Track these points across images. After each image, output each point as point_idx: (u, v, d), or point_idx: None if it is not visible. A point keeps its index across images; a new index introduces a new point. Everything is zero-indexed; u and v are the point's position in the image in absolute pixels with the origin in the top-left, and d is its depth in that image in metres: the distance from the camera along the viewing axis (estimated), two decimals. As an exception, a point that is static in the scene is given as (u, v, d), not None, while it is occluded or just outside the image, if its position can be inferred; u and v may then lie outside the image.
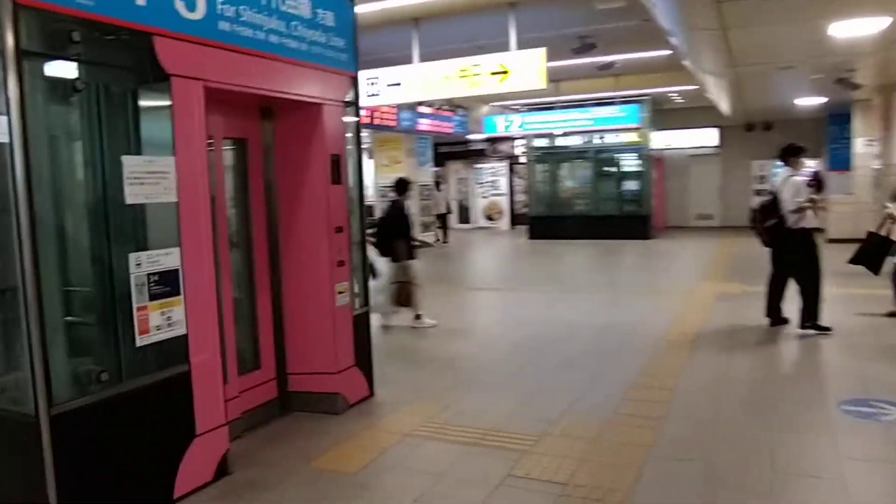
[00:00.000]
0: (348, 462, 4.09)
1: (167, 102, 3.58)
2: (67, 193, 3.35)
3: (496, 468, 3.90)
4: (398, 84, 9.34)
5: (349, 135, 5.19)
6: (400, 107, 12.80)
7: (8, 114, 2.90)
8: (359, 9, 8.27)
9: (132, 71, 3.59)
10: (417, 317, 7.94)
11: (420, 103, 13.34)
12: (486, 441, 4.32)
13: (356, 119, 5.30)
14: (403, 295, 7.92)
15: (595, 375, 5.78)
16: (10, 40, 2.88)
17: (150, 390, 3.51)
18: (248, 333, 4.90)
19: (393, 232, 7.89)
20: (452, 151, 24.43)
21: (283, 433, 4.57)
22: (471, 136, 20.89)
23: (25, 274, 2.94)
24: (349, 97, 5.12)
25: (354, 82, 5.18)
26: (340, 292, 4.99)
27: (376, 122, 12.21)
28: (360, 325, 5.24)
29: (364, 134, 18.80)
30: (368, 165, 22.62)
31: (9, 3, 2.87)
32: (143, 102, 3.62)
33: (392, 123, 12.85)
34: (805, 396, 5.06)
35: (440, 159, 24.41)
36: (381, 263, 7.87)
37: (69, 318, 3.32)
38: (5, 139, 2.93)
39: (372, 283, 7.29)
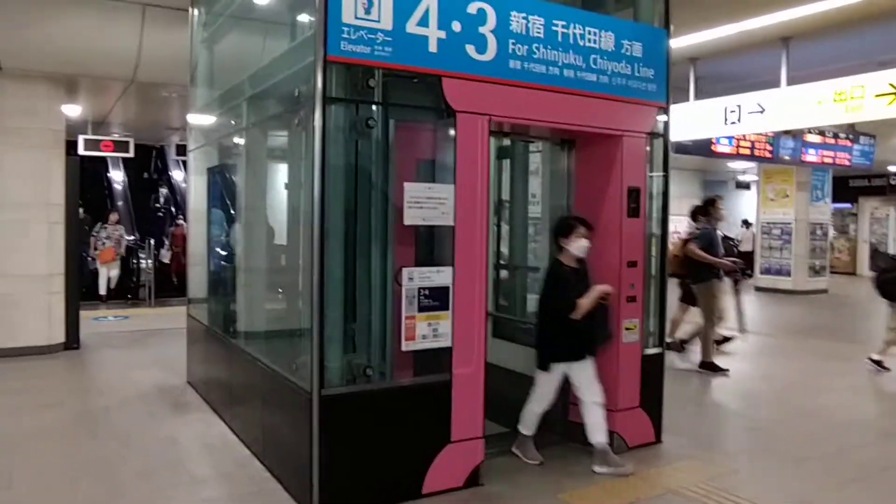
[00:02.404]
0: (594, 502, 4.15)
1: (452, 135, 4.15)
2: (355, 211, 4.10)
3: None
4: (761, 111, 8.82)
5: (656, 168, 5.24)
6: (778, 135, 11.89)
7: (313, 146, 3.76)
8: (714, 33, 8.15)
9: (421, 109, 4.28)
10: None
11: (807, 130, 12.21)
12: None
13: (664, 150, 5.31)
14: None
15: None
16: (319, 87, 3.74)
17: (410, 391, 4.12)
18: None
19: None
20: (868, 186, 21.60)
21: (547, 459, 4.80)
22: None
23: (312, 277, 3.75)
24: (655, 128, 5.15)
25: (663, 113, 5.19)
26: (628, 328, 5.04)
27: (742, 152, 11.55)
28: (651, 365, 5.20)
29: (748, 165, 17.83)
30: (750, 199, 21.34)
31: (321, 58, 3.72)
32: (430, 136, 4.26)
33: (766, 155, 11.99)
34: None
35: (851, 194, 21.79)
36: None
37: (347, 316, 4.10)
38: (313, 165, 3.78)
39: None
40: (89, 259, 13.20)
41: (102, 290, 13.02)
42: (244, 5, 5.83)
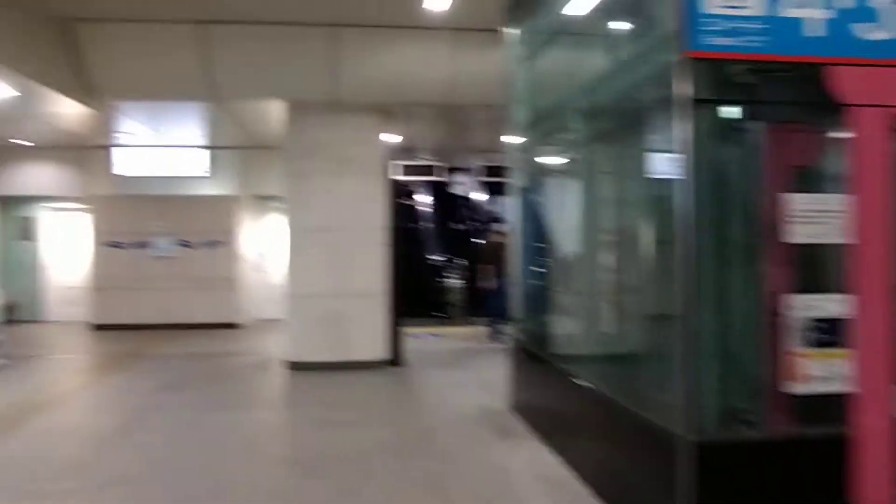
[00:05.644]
0: None
1: (843, 134, 3.46)
2: (722, 228, 3.56)
3: None
4: None
5: None
6: None
7: (675, 155, 3.34)
8: None
9: (802, 105, 3.64)
10: None
11: None
12: None
13: None
14: None
15: None
16: (680, 89, 3.32)
17: (800, 444, 3.44)
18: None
19: None
20: None
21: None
22: None
23: (684, 304, 3.30)
24: None
25: None
26: None
27: None
28: None
29: None
30: None
31: (681, 56, 3.30)
32: (813, 137, 3.60)
33: None
34: None
35: None
36: None
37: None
38: (680, 176, 3.36)
39: None
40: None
41: None
42: (573, 14, 5.58)
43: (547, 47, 6.30)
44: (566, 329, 5.51)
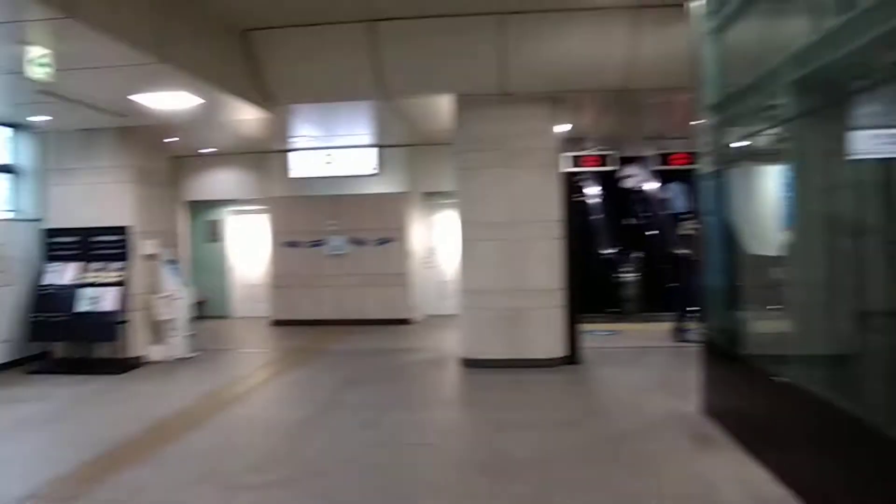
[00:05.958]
0: None
1: None
2: None
3: None
4: None
5: None
6: None
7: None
8: None
9: None
10: None
11: None
12: None
13: None
14: None
15: None
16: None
17: None
18: None
19: None
20: None
21: None
22: None
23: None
24: None
25: None
26: None
27: None
28: None
29: None
30: None
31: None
32: None
33: None
34: None
35: None
36: None
37: None
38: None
39: None
40: None
41: None
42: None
43: (742, 15, 5.76)
44: (774, 327, 5.00)
